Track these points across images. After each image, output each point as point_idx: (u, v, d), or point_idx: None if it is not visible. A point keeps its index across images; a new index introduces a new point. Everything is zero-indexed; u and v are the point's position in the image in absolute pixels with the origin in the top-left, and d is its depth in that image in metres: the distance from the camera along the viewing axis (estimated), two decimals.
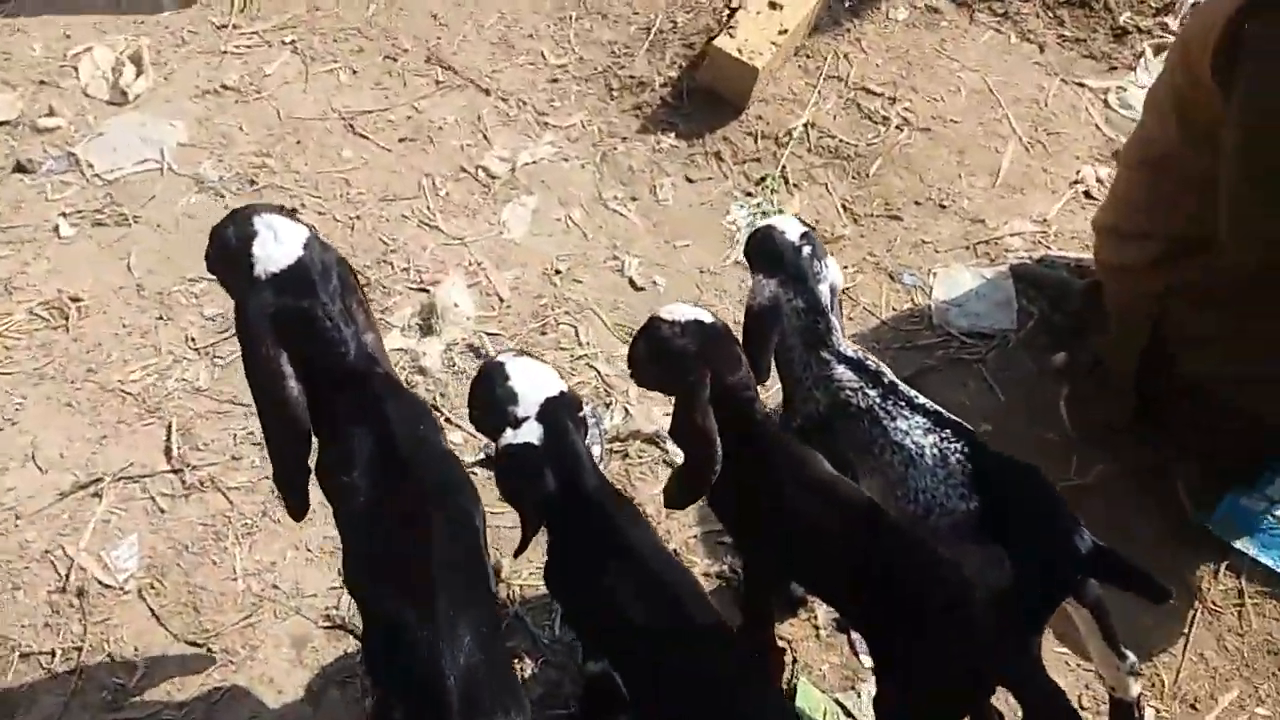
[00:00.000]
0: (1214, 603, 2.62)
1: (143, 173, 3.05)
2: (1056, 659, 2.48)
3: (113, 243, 2.93)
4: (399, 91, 3.28)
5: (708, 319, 2.03)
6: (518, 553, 1.98)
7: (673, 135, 3.26)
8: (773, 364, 2.18)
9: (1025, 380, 2.92)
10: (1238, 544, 2.65)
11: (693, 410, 1.95)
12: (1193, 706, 2.50)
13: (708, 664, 1.81)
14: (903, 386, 2.18)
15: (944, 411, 2.17)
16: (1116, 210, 2.76)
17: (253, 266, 1.85)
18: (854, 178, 3.23)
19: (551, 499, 1.92)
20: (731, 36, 3.22)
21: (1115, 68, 3.50)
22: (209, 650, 2.37)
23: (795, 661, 2.48)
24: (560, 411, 1.94)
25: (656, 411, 2.75)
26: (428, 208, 3.09)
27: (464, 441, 2.68)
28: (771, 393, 2.58)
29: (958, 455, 2.09)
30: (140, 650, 2.37)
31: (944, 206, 3.20)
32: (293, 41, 3.33)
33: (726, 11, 3.40)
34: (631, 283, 3.00)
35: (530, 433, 1.91)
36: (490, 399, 1.95)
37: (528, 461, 1.91)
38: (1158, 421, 2.74)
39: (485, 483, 2.45)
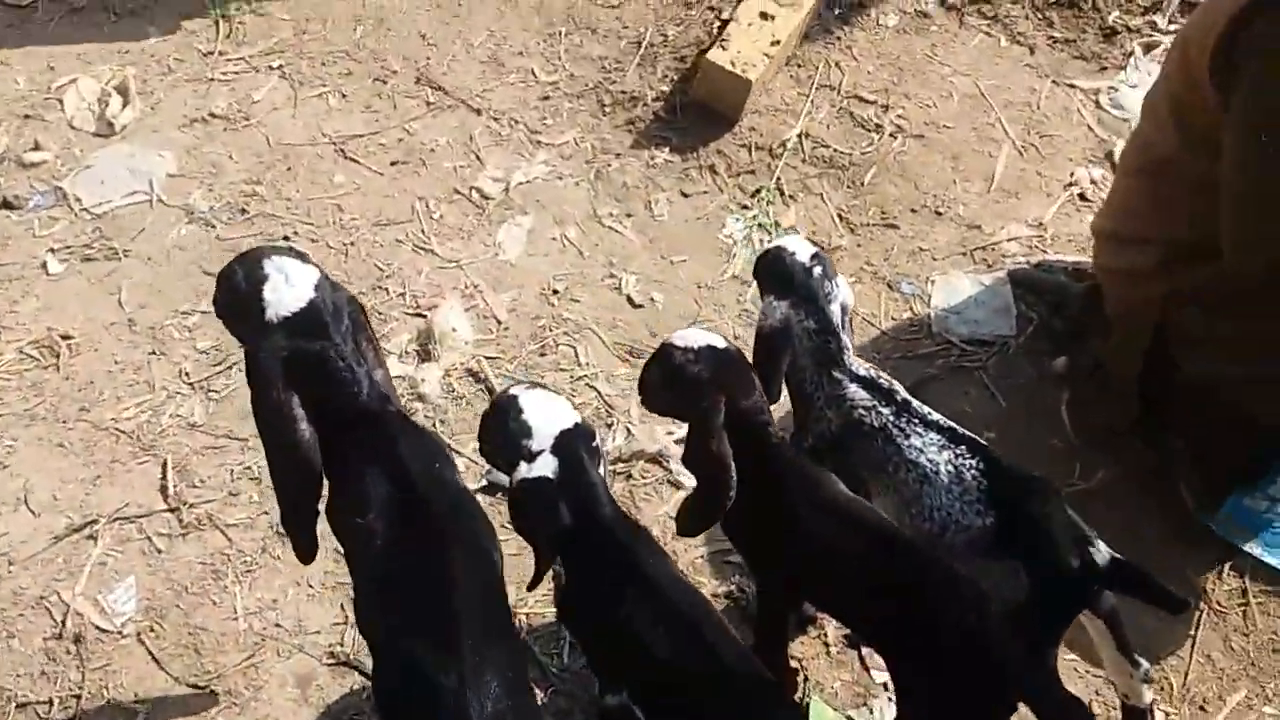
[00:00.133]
0: (1219, 603, 2.60)
1: (132, 205, 3.02)
2: (1066, 666, 2.45)
3: (103, 278, 2.90)
4: (389, 114, 3.25)
5: (721, 344, 2.02)
6: (531, 586, 1.95)
7: (667, 150, 3.23)
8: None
9: (1026, 386, 2.90)
10: (1241, 544, 2.64)
11: (708, 436, 1.93)
12: (1201, 708, 2.48)
13: (734, 696, 1.78)
14: (916, 404, 2.16)
15: (958, 427, 2.15)
16: (1115, 215, 2.74)
17: (264, 311, 1.83)
18: (849, 187, 3.20)
19: (567, 532, 1.89)
20: (724, 49, 3.19)
21: (1105, 68, 3.48)
22: (211, 692, 2.33)
23: (806, 680, 2.45)
24: (576, 444, 1.91)
25: (659, 431, 2.72)
26: (422, 231, 3.05)
27: (465, 468, 2.65)
28: (782, 414, 2.56)
29: (973, 471, 2.07)
30: (141, 695, 2.33)
31: (940, 213, 3.18)
32: (280, 66, 3.29)
33: (717, 24, 3.38)
34: (630, 300, 2.97)
35: (545, 466, 1.89)
36: (504, 433, 1.93)
37: (543, 496, 1.88)
38: (1160, 424, 2.72)
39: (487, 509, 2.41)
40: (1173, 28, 3.50)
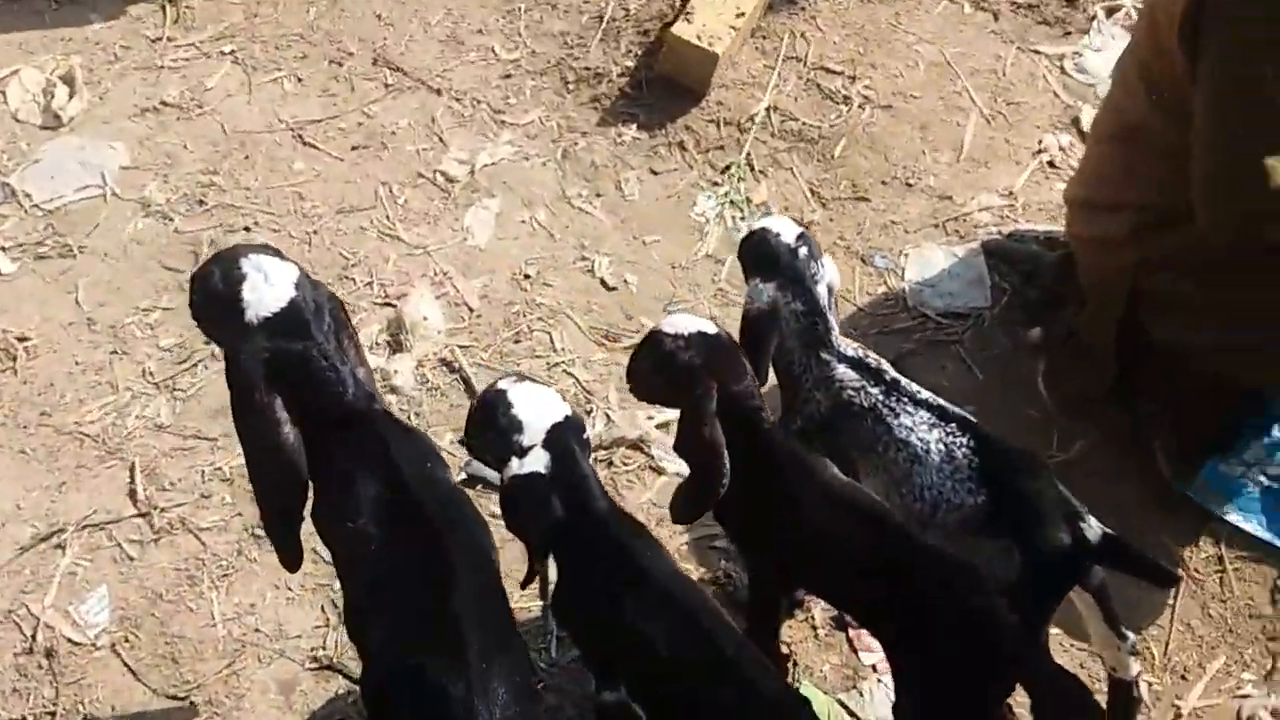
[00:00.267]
0: (1196, 571, 2.61)
1: (84, 200, 2.91)
2: (1050, 640, 2.46)
3: (58, 276, 2.80)
4: (347, 97, 3.16)
5: (711, 330, 1.99)
6: (525, 584, 1.92)
7: (634, 127, 3.17)
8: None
9: (1002, 357, 2.89)
10: (1218, 510, 2.65)
11: (700, 423, 1.90)
12: (1183, 677, 2.49)
13: (737, 685, 1.76)
14: (905, 382, 2.15)
15: (947, 405, 2.13)
16: (1088, 183, 2.73)
17: (244, 311, 1.76)
18: (819, 160, 3.16)
19: (561, 527, 1.85)
20: (689, 22, 3.13)
21: (1069, 33, 3.46)
22: (191, 703, 2.27)
23: (795, 665, 2.43)
24: (567, 437, 1.88)
25: (640, 416, 2.68)
26: (387, 218, 2.98)
27: None
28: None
29: (964, 449, 2.06)
30: (118, 709, 2.26)
31: (910, 185, 3.15)
32: (232, 52, 3.19)
33: None
34: (603, 283, 2.92)
35: (537, 461, 1.85)
36: (493, 429, 1.88)
37: (536, 491, 1.84)
38: (1135, 391, 2.73)
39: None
40: None
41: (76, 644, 2.32)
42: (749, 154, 3.14)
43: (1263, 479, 2.65)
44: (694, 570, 2.51)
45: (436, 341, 2.78)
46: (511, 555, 2.13)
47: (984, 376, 2.85)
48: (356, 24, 3.29)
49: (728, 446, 1.94)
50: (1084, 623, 2.25)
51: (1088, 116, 3.23)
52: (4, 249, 2.82)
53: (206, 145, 3.03)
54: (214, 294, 1.79)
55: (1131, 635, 2.22)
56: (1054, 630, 2.46)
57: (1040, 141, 3.24)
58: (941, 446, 2.07)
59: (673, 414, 2.66)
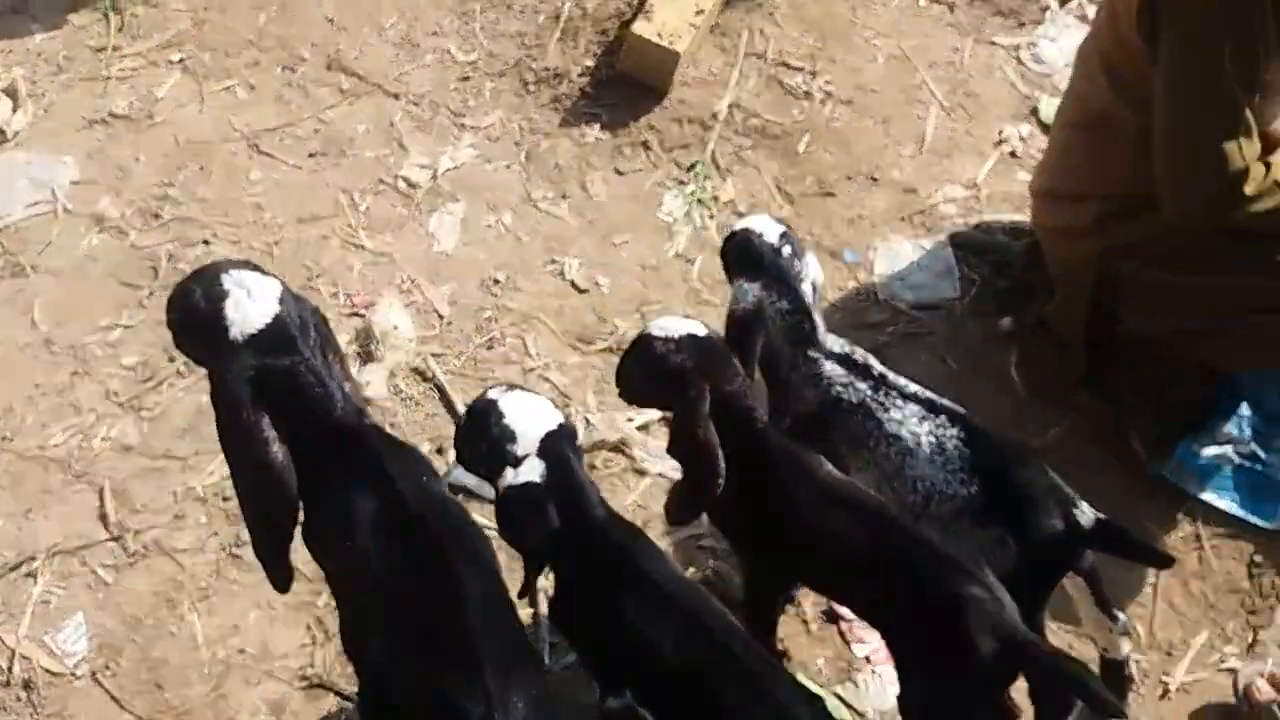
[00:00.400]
0: (1176, 549, 2.65)
1: (35, 216, 2.82)
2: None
3: (12, 296, 2.71)
4: (302, 104, 3.09)
5: (701, 331, 1.97)
6: (522, 594, 1.89)
7: (597, 127, 3.14)
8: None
9: (974, 348, 2.91)
10: (1193, 490, 2.70)
11: (694, 425, 1.89)
12: (1168, 653, 2.53)
13: (748, 686, 1.75)
14: (892, 376, 2.15)
15: (936, 397, 2.14)
16: (1052, 173, 2.76)
17: (228, 329, 1.71)
18: (784, 157, 3.16)
19: (558, 536, 1.83)
20: (649, 21, 3.11)
21: (1024, 23, 3.49)
22: None
23: (789, 660, 2.43)
24: (562, 444, 1.85)
25: (620, 419, 2.66)
26: (349, 225, 2.92)
27: None
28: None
29: (954, 440, 2.07)
30: None
31: (875, 179, 3.16)
32: (181, 60, 3.10)
33: None
34: (574, 285, 2.89)
35: (532, 470, 1.82)
36: (486, 439, 1.85)
37: (533, 501, 1.81)
38: (1108, 377, 2.76)
39: None
40: None
41: (55, 674, 2.25)
42: (714, 152, 3.13)
43: (1235, 458, 2.69)
44: (682, 570, 2.50)
45: (408, 351, 2.73)
46: (502, 563, 2.10)
47: (958, 367, 2.87)
48: (308, 28, 3.22)
49: (721, 447, 1.93)
50: (1075, 606, 2.28)
51: (1045, 106, 3.26)
52: None
53: (159, 157, 2.95)
54: (196, 312, 1.74)
55: (1122, 616, 2.26)
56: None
57: (1001, 132, 3.27)
58: (932, 439, 2.08)
59: (653, 415, 2.67)
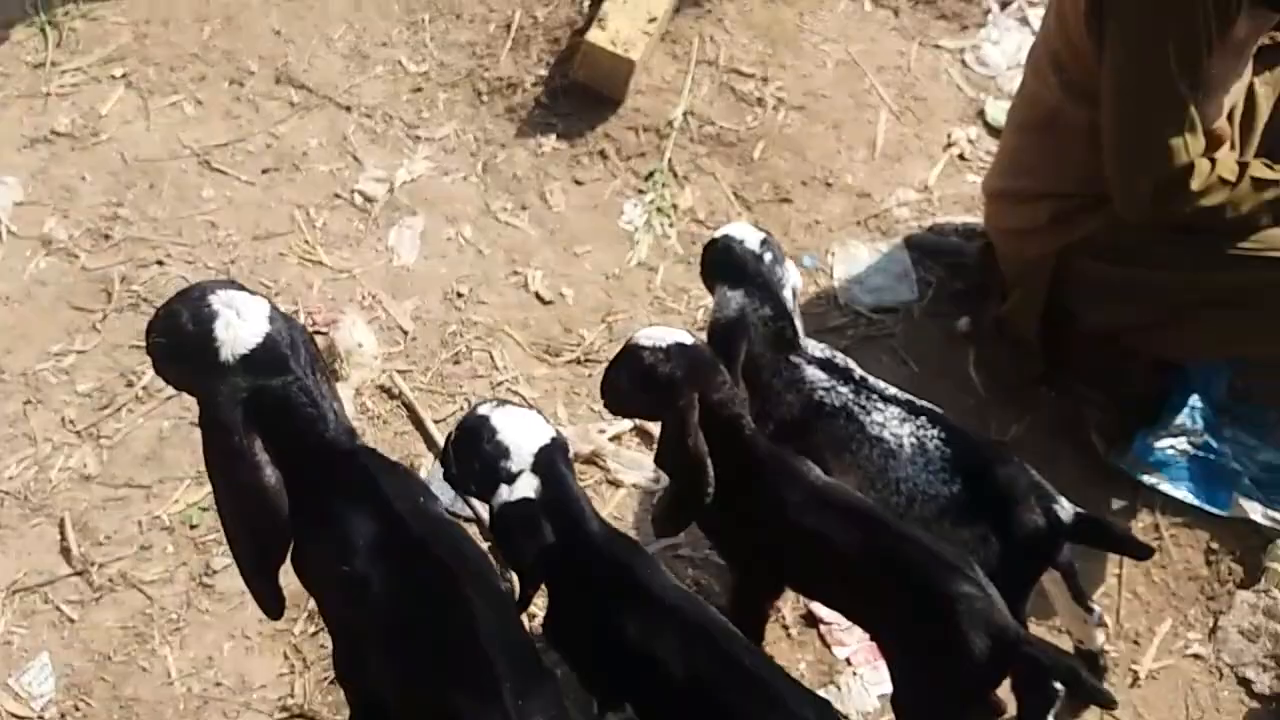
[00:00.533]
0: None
1: None
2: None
3: None
4: (252, 118, 3.03)
5: (688, 340, 1.97)
6: (519, 611, 1.86)
7: (553, 137, 3.12)
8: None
9: (934, 349, 2.94)
10: (1150, 480, 2.76)
11: (683, 434, 1.89)
12: (1135, 642, 2.58)
13: (758, 695, 1.74)
14: (872, 380, 2.17)
15: (915, 398, 2.16)
16: (1005, 174, 2.80)
17: (218, 351, 1.66)
18: (739, 163, 3.18)
19: (554, 551, 1.81)
20: (603, 29, 3.10)
21: (966, 26, 3.55)
22: None
23: None
24: (555, 458, 1.83)
25: (592, 430, 2.64)
26: (306, 242, 2.87)
27: None
28: None
29: (935, 441, 2.09)
30: None
31: (830, 184, 3.19)
32: (125, 75, 3.02)
33: (588, 2, 3.28)
34: (538, 297, 2.87)
35: (526, 486, 1.79)
36: (479, 457, 1.82)
37: (528, 518, 1.79)
38: (1064, 373, 2.82)
39: None
40: None
41: (21, 718, 2.17)
42: (671, 160, 3.13)
43: (1189, 448, 2.76)
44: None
45: (373, 368, 2.69)
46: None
47: (919, 369, 2.90)
48: (254, 41, 3.16)
49: (710, 455, 1.92)
50: (1051, 599, 2.32)
51: (991, 108, 3.32)
52: None
53: (106, 175, 2.87)
54: (184, 335, 1.69)
55: (1097, 608, 2.31)
56: None
57: (949, 135, 3.32)
58: (914, 440, 2.11)
59: (625, 425, 2.66)
